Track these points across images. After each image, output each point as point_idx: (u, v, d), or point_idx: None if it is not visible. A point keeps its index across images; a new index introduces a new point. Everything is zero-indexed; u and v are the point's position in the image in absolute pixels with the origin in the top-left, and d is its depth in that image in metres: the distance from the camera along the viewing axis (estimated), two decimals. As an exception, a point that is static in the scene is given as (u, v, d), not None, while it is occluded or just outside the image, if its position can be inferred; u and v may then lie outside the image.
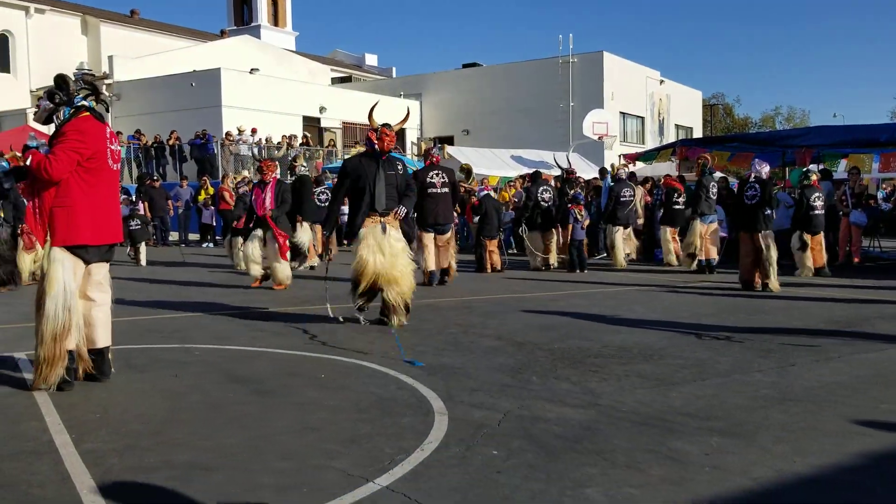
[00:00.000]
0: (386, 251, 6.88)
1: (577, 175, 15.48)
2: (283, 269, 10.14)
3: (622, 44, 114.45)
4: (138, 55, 31.24)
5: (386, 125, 7.17)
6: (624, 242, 13.86)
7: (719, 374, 5.17)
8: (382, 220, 6.97)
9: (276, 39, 43.81)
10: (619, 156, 20.85)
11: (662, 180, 15.21)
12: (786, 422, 4.03)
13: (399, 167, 7.26)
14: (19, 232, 7.83)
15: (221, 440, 3.74)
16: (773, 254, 9.75)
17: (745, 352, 5.89)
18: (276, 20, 47.72)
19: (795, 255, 12.02)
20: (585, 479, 3.23)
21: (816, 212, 12.11)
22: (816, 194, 12.16)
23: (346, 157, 24.14)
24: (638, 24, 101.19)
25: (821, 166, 15.97)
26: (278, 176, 10.78)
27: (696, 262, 12.52)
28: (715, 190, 12.58)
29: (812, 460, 3.42)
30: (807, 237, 11.96)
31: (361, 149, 28.83)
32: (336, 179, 8.01)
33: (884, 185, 21.36)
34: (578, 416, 4.15)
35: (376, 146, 7.13)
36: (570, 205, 13.06)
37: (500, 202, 14.77)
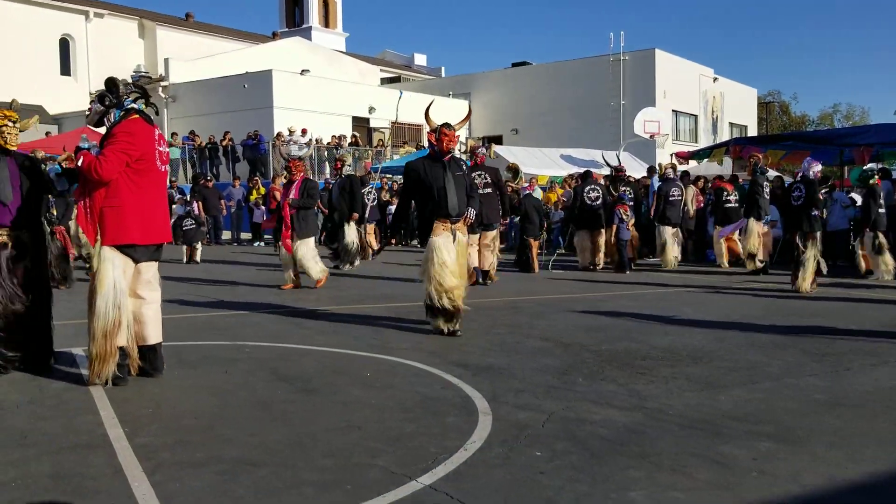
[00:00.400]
0: (456, 261, 6.56)
1: (627, 174, 15.28)
2: (314, 266, 10.04)
3: (674, 41, 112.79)
4: (193, 57, 31.94)
5: (445, 125, 6.83)
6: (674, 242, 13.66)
7: (770, 377, 5.06)
8: (453, 226, 6.63)
9: (326, 41, 44.35)
10: (671, 154, 20.55)
11: (712, 182, 14.96)
12: (839, 427, 3.93)
13: (463, 167, 7.00)
14: (54, 232, 8.02)
15: (268, 437, 3.81)
16: (811, 254, 9.53)
17: (798, 355, 5.76)
18: (326, 21, 48.28)
19: (871, 258, 11.54)
20: (630, 483, 3.20)
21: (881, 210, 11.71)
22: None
23: (406, 158, 24.36)
24: (690, 21, 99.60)
25: (880, 165, 15.50)
26: (308, 175, 10.75)
27: (758, 263, 12.20)
28: (768, 189, 12.31)
29: (865, 467, 3.33)
30: (882, 238, 11.48)
31: (411, 149, 29.01)
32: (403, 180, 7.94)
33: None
34: (624, 418, 4.11)
35: (437, 147, 6.80)
36: (615, 205, 12.94)
37: (541, 201, 14.66)
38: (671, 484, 3.19)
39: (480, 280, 10.61)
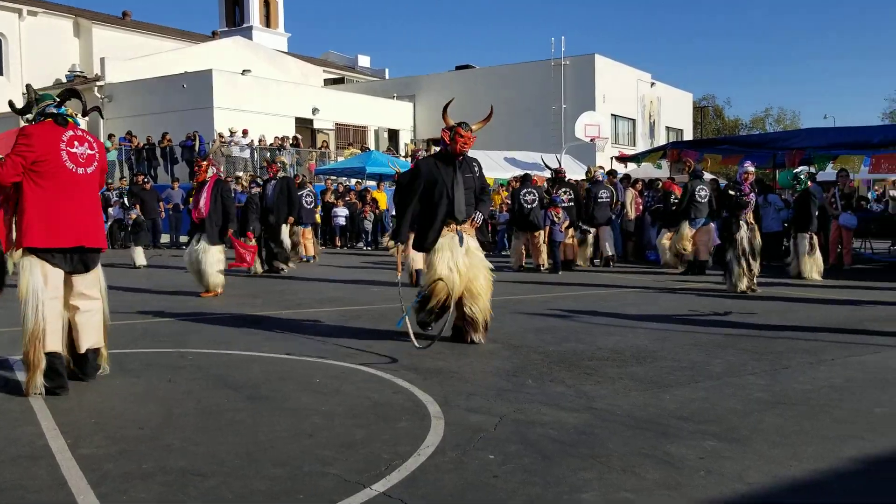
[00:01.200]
0: (464, 265, 6.23)
1: (567, 176, 15.50)
2: (213, 275, 9.60)
3: (613, 46, 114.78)
4: (130, 57, 31.18)
5: (463, 125, 6.37)
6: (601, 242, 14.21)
7: (712, 376, 5.18)
8: (459, 228, 6.30)
9: (267, 41, 43.82)
10: (612, 158, 20.91)
11: (661, 183, 15.29)
12: (780, 425, 4.04)
13: (476, 168, 6.56)
14: None
15: (215, 446, 3.73)
16: (731, 255, 9.98)
17: (738, 354, 5.91)
18: (267, 21, 47.71)
19: (802, 258, 11.90)
20: (582, 484, 3.23)
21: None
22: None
23: (351, 160, 24.17)
24: (629, 27, 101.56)
25: (811, 168, 16.04)
26: (218, 175, 10.25)
27: (684, 264, 12.67)
28: (704, 193, 12.64)
29: (808, 465, 3.44)
30: (815, 239, 11.88)
31: (356, 151, 28.85)
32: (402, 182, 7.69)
33: (875, 187, 21.47)
34: (574, 419, 4.15)
35: (450, 148, 6.40)
36: (548, 207, 13.16)
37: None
38: (621, 484, 3.23)
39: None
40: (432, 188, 6.33)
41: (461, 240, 6.27)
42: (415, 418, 4.17)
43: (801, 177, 12.11)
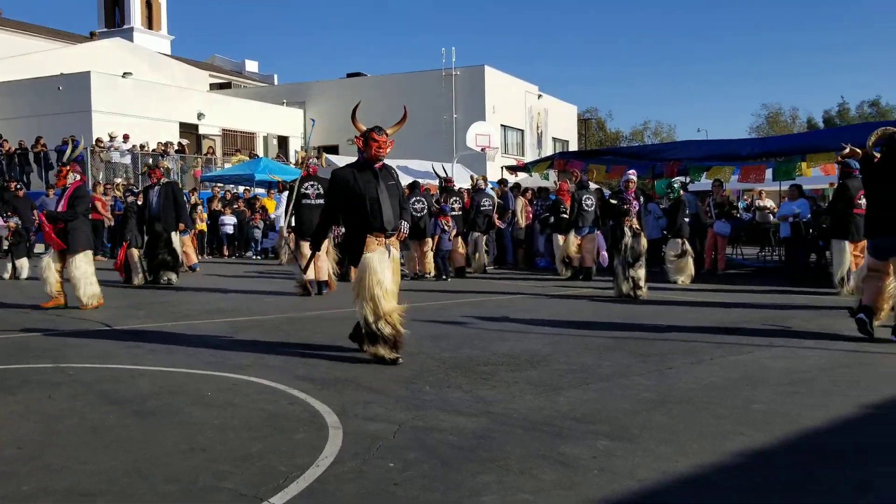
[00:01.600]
0: (391, 278, 5.93)
1: (457, 186, 15.72)
2: (86, 288, 9.07)
3: (502, 59, 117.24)
4: (1, 56, 29.32)
5: (376, 129, 6.15)
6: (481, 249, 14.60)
7: (602, 378, 5.37)
8: (387, 241, 6.00)
9: (150, 43, 42.25)
10: (502, 167, 21.32)
11: (556, 189, 15.72)
12: (667, 423, 4.23)
13: (396, 175, 6.32)
14: None
15: (102, 464, 3.56)
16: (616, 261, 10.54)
17: (626, 356, 6.14)
18: (150, 23, 46.02)
19: (675, 263, 12.48)
20: (482, 488, 3.28)
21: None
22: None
23: (238, 167, 23.52)
24: (517, 40, 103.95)
25: (687, 178, 16.90)
26: (78, 180, 9.51)
27: (569, 270, 13.09)
28: (590, 202, 13.11)
29: (693, 460, 3.61)
30: (687, 245, 12.52)
31: (244, 158, 28.14)
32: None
33: (745, 197, 22.80)
34: (472, 424, 4.20)
35: (365, 154, 6.13)
36: (437, 216, 13.32)
37: None
38: (520, 486, 3.30)
39: (316, 290, 10.68)
40: (355, 200, 5.96)
41: (389, 252, 5.96)
42: (312, 429, 4.12)
43: (675, 185, 12.74)
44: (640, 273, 10.28)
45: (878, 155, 7.17)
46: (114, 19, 45.79)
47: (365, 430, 4.08)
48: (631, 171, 10.99)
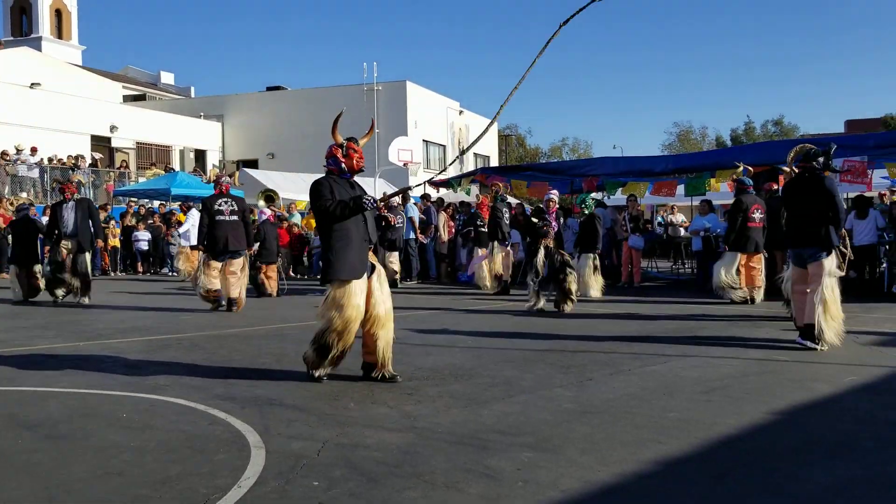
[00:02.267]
0: (380, 294, 5.74)
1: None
2: None
3: (423, 74, 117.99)
4: None
5: (353, 139, 5.92)
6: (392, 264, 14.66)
7: (525, 390, 5.44)
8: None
9: (59, 53, 40.77)
10: (424, 182, 21.40)
11: (477, 204, 15.86)
12: (588, 433, 4.32)
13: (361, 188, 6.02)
14: None
15: (9, 491, 3.40)
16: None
17: (547, 368, 6.25)
18: (59, 32, 44.43)
19: (586, 277, 12.75)
20: (408, 503, 3.28)
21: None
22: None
23: (154, 181, 22.81)
24: (438, 57, 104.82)
25: (603, 194, 17.36)
26: None
27: (500, 284, 13.22)
28: (508, 215, 13.33)
29: (614, 469, 3.70)
30: (598, 260, 12.84)
31: (159, 172, 27.40)
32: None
33: (661, 212, 23.54)
34: (397, 439, 4.20)
35: (343, 165, 5.86)
36: None
37: (276, 229, 14.87)
38: (446, 500, 3.31)
39: (224, 306, 10.72)
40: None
41: (372, 269, 5.74)
42: (233, 449, 4.03)
43: (588, 201, 13.05)
44: (572, 285, 10.43)
45: (796, 170, 7.58)
46: (21, 28, 44.06)
47: (288, 449, 4.02)
48: (553, 192, 11.22)
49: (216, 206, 10.67)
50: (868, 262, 12.84)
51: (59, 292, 11.85)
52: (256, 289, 12.97)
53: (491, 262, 13.40)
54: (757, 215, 11.07)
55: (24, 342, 7.78)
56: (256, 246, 13.26)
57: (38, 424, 4.56)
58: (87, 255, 11.92)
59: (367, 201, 5.56)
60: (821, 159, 7.32)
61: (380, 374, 5.74)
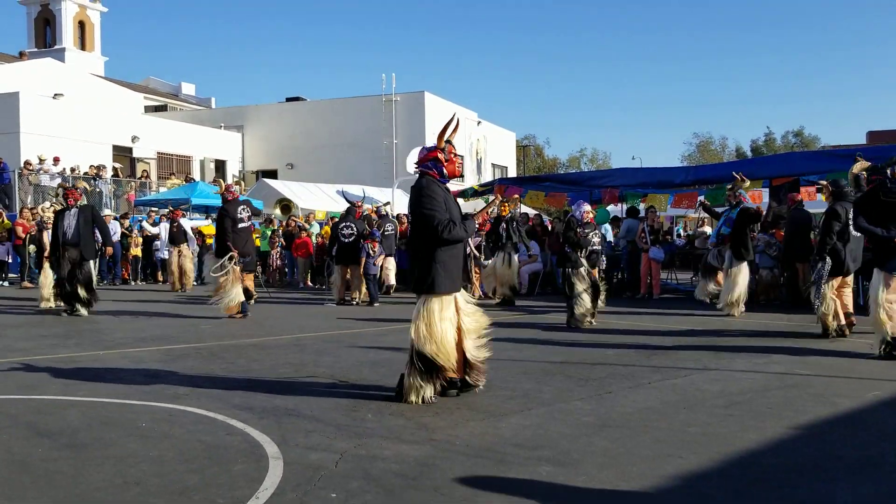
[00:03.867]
0: (462, 305, 5.56)
1: (364, 207, 15.26)
2: None
3: (442, 85, 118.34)
4: (-80, 74, 28.30)
5: (450, 143, 5.62)
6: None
7: (543, 403, 5.41)
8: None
9: (83, 64, 41.32)
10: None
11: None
12: (607, 448, 4.28)
13: None
14: None
15: (30, 501, 3.42)
16: (575, 289, 10.00)
17: (565, 381, 6.21)
18: (83, 44, 45.02)
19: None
20: (425, 517, 3.26)
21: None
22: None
23: (175, 191, 22.93)
24: (456, 68, 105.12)
25: (626, 205, 17.28)
26: None
27: (500, 296, 13.10)
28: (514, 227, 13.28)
29: (634, 484, 3.66)
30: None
31: (179, 182, 27.51)
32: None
33: (682, 222, 23.43)
34: (415, 452, 4.18)
35: (445, 170, 5.55)
36: (364, 240, 13.33)
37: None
38: (464, 514, 3.29)
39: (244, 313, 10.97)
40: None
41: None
42: (251, 460, 4.03)
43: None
44: (598, 303, 10.24)
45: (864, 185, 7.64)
46: (44, 39, 44.69)
47: (306, 460, 4.01)
48: (585, 205, 10.82)
49: (238, 214, 10.94)
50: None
51: (61, 305, 11.41)
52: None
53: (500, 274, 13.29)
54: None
55: (45, 351, 7.85)
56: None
57: (58, 433, 4.59)
58: (91, 264, 11.57)
59: (471, 226, 5.44)
60: (888, 170, 7.31)
61: (459, 381, 5.55)
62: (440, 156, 5.54)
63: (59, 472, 3.84)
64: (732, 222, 11.25)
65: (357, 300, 13.35)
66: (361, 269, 13.25)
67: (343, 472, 3.83)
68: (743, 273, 11.12)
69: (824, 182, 8.90)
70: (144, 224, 19.13)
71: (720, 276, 11.63)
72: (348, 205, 14.06)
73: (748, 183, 11.87)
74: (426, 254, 5.37)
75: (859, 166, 8.34)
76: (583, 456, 4.12)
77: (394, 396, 5.49)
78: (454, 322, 5.42)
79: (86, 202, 11.98)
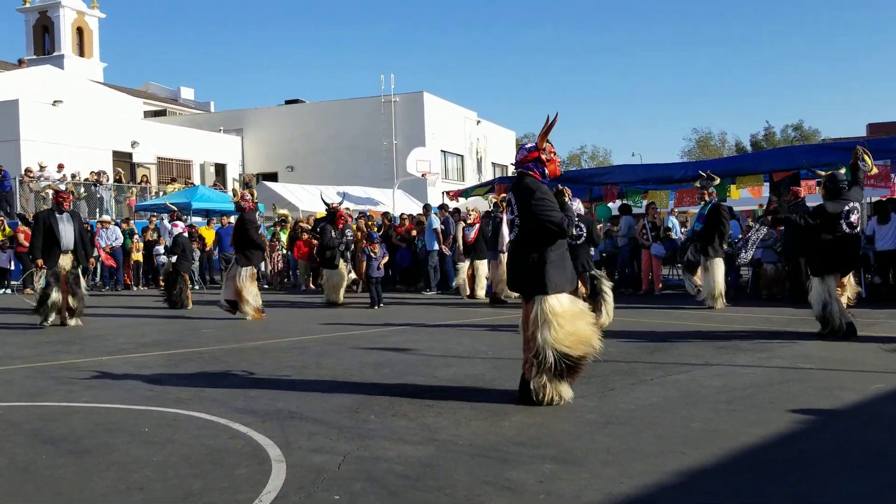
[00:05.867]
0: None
1: (341, 210, 15.07)
2: None
3: (440, 85, 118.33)
4: (-80, 83, 28.33)
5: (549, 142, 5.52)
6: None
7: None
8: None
9: (82, 70, 41.36)
10: (443, 193, 21.45)
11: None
12: (610, 445, 4.28)
13: None
14: None
15: (34, 508, 3.42)
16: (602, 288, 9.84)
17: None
18: (81, 50, 45.08)
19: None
20: (429, 517, 3.26)
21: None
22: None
23: (176, 195, 22.98)
24: (455, 67, 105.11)
25: (624, 201, 17.27)
26: None
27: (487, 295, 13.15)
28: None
29: (636, 481, 3.66)
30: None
31: (180, 186, 27.51)
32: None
33: (679, 218, 23.37)
34: (418, 452, 4.18)
35: (546, 170, 5.45)
36: (363, 242, 13.35)
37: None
38: (467, 514, 3.29)
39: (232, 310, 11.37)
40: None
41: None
42: (254, 463, 4.03)
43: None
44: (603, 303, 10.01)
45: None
46: (43, 46, 44.74)
47: (309, 463, 4.01)
48: (577, 202, 10.80)
49: (259, 222, 11.79)
50: (892, 267, 12.68)
51: (52, 317, 10.54)
52: (172, 301, 13.33)
53: (492, 274, 13.28)
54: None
55: (48, 357, 7.86)
56: (174, 258, 13.71)
57: (62, 439, 4.59)
58: (80, 272, 10.96)
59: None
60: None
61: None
62: (542, 156, 5.44)
63: (63, 479, 3.85)
64: (704, 219, 11.47)
65: (328, 298, 13.53)
66: (363, 273, 13.26)
67: (346, 474, 3.83)
68: (718, 267, 11.42)
69: (822, 174, 8.89)
70: (166, 223, 18.98)
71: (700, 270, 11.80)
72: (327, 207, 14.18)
73: (717, 180, 12.14)
74: (537, 255, 5.27)
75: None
76: (586, 453, 4.11)
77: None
78: (585, 313, 5.32)
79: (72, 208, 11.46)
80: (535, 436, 4.49)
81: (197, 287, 19.44)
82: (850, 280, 8.78)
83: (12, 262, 18.07)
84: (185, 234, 14.52)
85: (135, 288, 18.92)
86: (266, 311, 11.56)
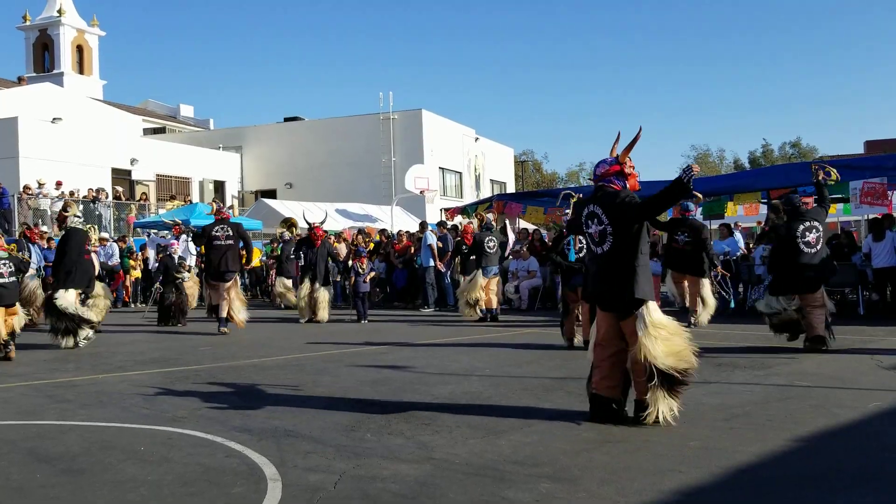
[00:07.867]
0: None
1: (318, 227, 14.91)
2: None
3: (438, 103, 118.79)
4: (-81, 101, 28.41)
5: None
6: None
7: (543, 419, 5.39)
8: None
9: (81, 88, 41.50)
10: (441, 210, 21.51)
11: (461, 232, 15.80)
12: (607, 463, 4.27)
13: None
14: None
15: (28, 528, 3.40)
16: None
17: (565, 397, 6.19)
18: (81, 68, 45.28)
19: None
20: (424, 537, 3.24)
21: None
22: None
23: (174, 212, 23.04)
24: (453, 85, 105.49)
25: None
26: None
27: (478, 312, 13.00)
28: (492, 244, 13.11)
29: (633, 499, 3.65)
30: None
31: (179, 204, 27.59)
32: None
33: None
34: (414, 471, 4.16)
35: (627, 183, 5.48)
36: (352, 258, 13.33)
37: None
38: (463, 533, 3.27)
39: (225, 326, 11.60)
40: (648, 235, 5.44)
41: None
42: (250, 482, 4.02)
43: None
44: None
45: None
46: (43, 64, 44.93)
47: (305, 482, 4.00)
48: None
49: (213, 233, 11.74)
50: (889, 283, 12.69)
51: (84, 333, 10.28)
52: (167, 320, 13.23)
53: (472, 291, 13.15)
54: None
55: (44, 375, 7.83)
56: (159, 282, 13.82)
57: (57, 458, 4.57)
58: (65, 293, 10.27)
59: None
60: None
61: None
62: (625, 169, 5.50)
63: (58, 498, 3.83)
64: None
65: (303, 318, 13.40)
66: (351, 287, 13.24)
67: (342, 493, 3.82)
68: (704, 286, 11.45)
69: (777, 202, 9.12)
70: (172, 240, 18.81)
71: (685, 283, 11.80)
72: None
73: (700, 197, 12.30)
74: (631, 266, 5.21)
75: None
76: (583, 472, 4.10)
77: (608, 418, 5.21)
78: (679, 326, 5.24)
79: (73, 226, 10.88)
80: (532, 454, 4.48)
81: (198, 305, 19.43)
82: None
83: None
84: (172, 256, 13.98)
85: (133, 305, 18.89)
86: (263, 327, 11.57)
